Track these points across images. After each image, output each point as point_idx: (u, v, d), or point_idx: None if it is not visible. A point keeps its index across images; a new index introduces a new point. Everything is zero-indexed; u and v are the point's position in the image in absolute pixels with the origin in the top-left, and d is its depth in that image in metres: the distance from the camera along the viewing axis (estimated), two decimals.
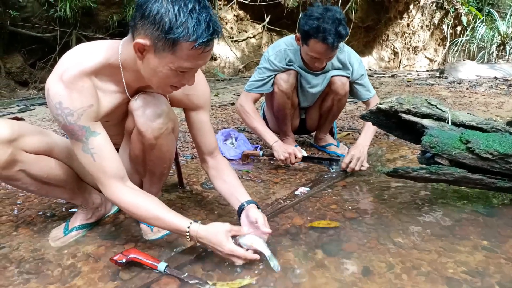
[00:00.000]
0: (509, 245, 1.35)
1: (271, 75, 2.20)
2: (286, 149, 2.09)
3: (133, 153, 1.37)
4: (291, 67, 2.18)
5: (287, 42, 2.19)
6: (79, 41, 5.94)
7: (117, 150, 1.48)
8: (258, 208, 1.37)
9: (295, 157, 2.08)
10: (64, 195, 1.44)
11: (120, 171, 1.21)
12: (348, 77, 2.25)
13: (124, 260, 1.21)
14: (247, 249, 1.22)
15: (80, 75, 1.10)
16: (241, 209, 1.35)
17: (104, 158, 1.17)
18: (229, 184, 1.43)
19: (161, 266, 1.18)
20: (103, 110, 1.19)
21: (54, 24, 5.74)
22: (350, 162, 2.02)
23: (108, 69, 1.14)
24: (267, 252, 1.22)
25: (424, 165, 1.54)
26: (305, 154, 2.14)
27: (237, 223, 1.34)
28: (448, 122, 1.53)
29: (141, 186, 1.51)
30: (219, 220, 1.58)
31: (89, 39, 6.03)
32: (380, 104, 1.55)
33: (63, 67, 1.10)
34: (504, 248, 1.33)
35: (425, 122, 1.50)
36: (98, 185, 1.21)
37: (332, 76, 2.25)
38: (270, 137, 2.15)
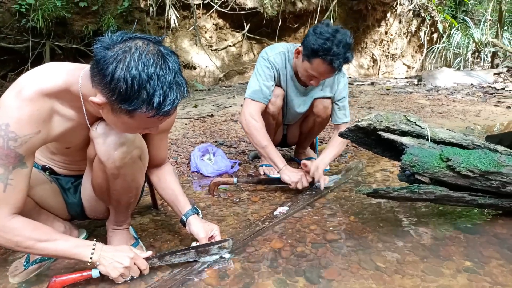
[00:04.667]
0: (492, 266, 1.32)
1: (274, 80, 2.07)
2: (296, 172, 2.01)
3: (95, 182, 1.28)
4: (281, 85, 2.11)
5: (284, 47, 2.09)
6: (52, 51, 5.77)
7: (81, 176, 1.39)
8: (198, 214, 1.43)
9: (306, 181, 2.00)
10: None
11: (20, 203, 1.08)
12: (330, 98, 2.19)
13: None
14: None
15: (38, 95, 1.01)
16: (183, 223, 1.42)
17: (15, 192, 1.05)
18: (170, 191, 1.45)
19: (95, 272, 1.20)
20: (53, 135, 1.09)
21: (27, 34, 5.56)
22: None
23: (69, 95, 1.06)
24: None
25: (404, 185, 1.50)
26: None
27: None
28: (427, 139, 1.50)
29: (108, 213, 1.42)
30: None
31: (63, 49, 5.87)
32: (359, 121, 1.51)
33: (20, 85, 1.01)
34: (487, 269, 1.30)
35: (405, 140, 1.46)
36: None
37: (315, 99, 2.19)
38: (280, 161, 2.02)
